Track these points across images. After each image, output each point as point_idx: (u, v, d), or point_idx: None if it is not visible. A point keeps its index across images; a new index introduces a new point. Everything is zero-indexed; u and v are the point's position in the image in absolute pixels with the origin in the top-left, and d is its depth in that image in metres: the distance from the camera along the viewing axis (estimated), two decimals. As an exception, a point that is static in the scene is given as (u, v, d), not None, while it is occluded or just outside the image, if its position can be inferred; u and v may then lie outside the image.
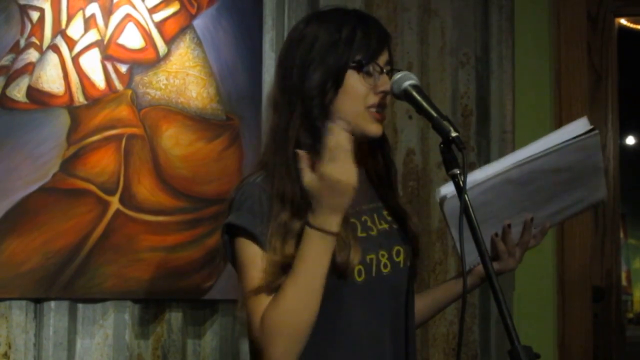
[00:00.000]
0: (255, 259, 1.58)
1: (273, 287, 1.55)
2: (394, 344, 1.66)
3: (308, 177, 1.55)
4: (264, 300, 1.55)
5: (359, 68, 1.65)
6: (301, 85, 1.64)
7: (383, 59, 1.68)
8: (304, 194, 1.57)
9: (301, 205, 1.57)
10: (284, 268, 1.55)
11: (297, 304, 1.53)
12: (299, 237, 1.56)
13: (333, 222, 1.54)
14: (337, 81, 1.64)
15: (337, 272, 1.58)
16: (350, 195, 1.55)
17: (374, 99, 1.66)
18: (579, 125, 1.71)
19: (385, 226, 1.71)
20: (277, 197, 1.60)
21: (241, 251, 1.61)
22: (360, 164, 1.74)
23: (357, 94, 1.65)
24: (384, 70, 1.68)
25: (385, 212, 1.73)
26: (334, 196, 1.53)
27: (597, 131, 1.70)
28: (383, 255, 1.66)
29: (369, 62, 1.65)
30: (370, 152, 1.76)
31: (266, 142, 1.70)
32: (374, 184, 1.76)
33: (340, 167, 1.53)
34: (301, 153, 1.58)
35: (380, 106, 1.67)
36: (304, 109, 1.64)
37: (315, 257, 1.54)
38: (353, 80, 1.65)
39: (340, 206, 1.55)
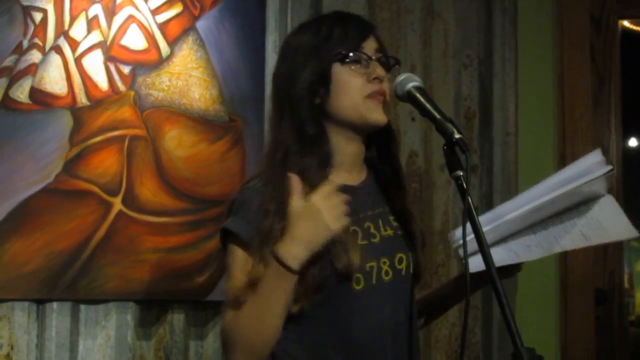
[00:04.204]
0: (240, 266, 1.59)
1: (239, 293, 1.56)
2: (395, 351, 1.65)
3: (295, 202, 1.53)
4: (234, 308, 1.57)
5: (343, 59, 1.65)
6: (288, 92, 1.66)
7: (370, 47, 1.69)
8: (280, 212, 1.56)
9: (283, 214, 1.57)
10: (251, 279, 1.56)
11: (254, 323, 1.54)
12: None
13: (297, 257, 1.51)
14: (324, 79, 1.65)
15: (336, 280, 1.58)
16: (325, 240, 1.52)
17: (369, 88, 1.66)
18: (594, 163, 1.59)
19: (390, 232, 1.69)
20: (266, 204, 1.60)
21: (230, 256, 1.63)
22: (369, 166, 1.75)
23: (350, 87, 1.65)
24: (373, 57, 1.68)
25: (391, 217, 1.72)
26: (310, 230, 1.51)
27: (614, 170, 1.60)
28: (385, 263, 1.65)
29: (351, 51, 1.66)
30: (379, 154, 1.75)
31: (264, 153, 1.72)
32: (383, 186, 1.75)
33: (332, 207, 1.51)
34: (293, 176, 1.56)
35: (378, 92, 1.66)
36: (292, 114, 1.65)
37: (271, 288, 1.53)
38: (342, 74, 1.66)
39: (311, 243, 1.52)
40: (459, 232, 1.64)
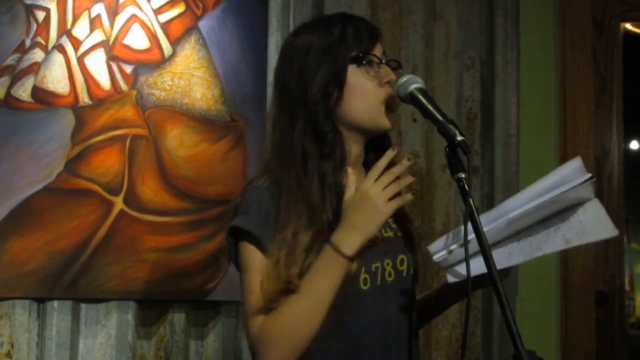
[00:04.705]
0: (257, 264, 1.58)
1: (273, 298, 1.55)
2: (398, 352, 1.66)
3: (347, 194, 1.57)
4: (262, 307, 1.56)
5: (359, 62, 1.65)
6: (303, 94, 1.64)
7: (378, 50, 1.69)
8: (313, 208, 1.57)
9: (310, 220, 1.57)
10: (287, 287, 1.54)
11: (298, 319, 1.54)
12: (306, 254, 1.56)
13: (351, 244, 1.53)
14: (340, 81, 1.64)
15: (342, 281, 1.58)
16: (379, 223, 1.55)
17: (383, 92, 1.66)
18: (574, 170, 1.55)
19: (390, 234, 1.70)
20: (284, 210, 1.58)
21: (245, 255, 1.61)
22: (366, 169, 1.75)
23: (364, 90, 1.65)
24: (383, 61, 1.68)
25: (390, 220, 1.71)
26: (363, 216, 1.54)
27: (594, 179, 1.57)
28: (388, 264, 1.66)
29: (366, 53, 1.66)
30: (375, 156, 1.75)
31: (270, 155, 1.68)
32: None
33: (383, 191, 1.54)
34: (349, 170, 1.59)
35: (390, 96, 1.67)
36: (307, 117, 1.63)
37: (324, 276, 1.54)
38: (356, 76, 1.65)
39: (365, 230, 1.54)
40: (437, 244, 1.61)
